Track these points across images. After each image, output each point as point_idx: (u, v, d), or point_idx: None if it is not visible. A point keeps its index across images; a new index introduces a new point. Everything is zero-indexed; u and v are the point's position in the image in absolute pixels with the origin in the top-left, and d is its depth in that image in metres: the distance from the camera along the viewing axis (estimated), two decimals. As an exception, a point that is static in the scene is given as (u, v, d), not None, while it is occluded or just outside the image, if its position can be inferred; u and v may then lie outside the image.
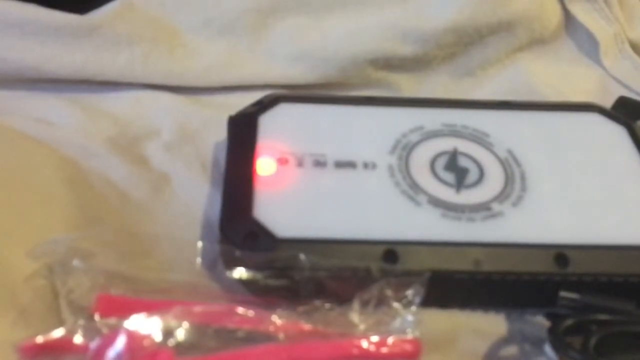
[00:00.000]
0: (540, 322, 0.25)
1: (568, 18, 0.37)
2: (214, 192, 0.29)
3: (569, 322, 0.23)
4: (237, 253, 0.23)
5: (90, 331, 0.22)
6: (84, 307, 0.23)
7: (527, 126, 0.30)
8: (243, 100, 0.31)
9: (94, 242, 0.24)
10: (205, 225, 0.28)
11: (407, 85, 0.35)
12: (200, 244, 0.24)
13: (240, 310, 0.22)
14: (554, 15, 0.37)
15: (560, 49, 0.37)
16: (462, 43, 0.35)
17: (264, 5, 0.34)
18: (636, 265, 0.25)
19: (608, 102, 0.33)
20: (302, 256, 0.23)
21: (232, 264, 0.24)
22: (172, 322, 0.21)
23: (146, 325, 0.21)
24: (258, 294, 0.24)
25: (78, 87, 0.33)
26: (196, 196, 0.29)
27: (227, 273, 0.24)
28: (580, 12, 0.37)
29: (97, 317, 0.22)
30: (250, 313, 0.22)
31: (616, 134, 0.30)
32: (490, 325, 0.25)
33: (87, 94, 0.33)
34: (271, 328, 0.22)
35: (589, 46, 0.37)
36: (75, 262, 0.23)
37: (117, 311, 0.23)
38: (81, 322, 0.22)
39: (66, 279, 0.22)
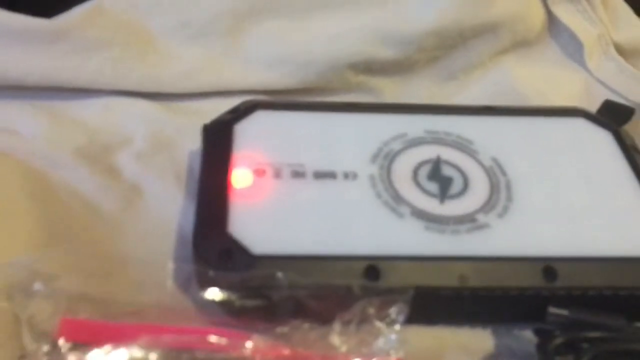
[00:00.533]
0: (528, 337, 0.25)
1: (552, 20, 0.37)
2: (188, 204, 0.28)
3: (559, 340, 0.22)
4: (211, 273, 0.22)
5: (54, 358, 0.20)
6: (47, 332, 0.21)
7: (512, 132, 0.29)
8: (220, 107, 0.30)
9: (57, 263, 0.22)
10: (180, 239, 0.27)
11: (389, 89, 0.34)
12: (170, 264, 0.23)
13: (213, 336, 0.21)
14: (538, 17, 0.36)
15: (545, 52, 0.36)
16: (445, 46, 0.34)
17: (240, 7, 0.33)
18: (626, 277, 0.24)
19: (593, 105, 0.32)
20: (279, 274, 0.22)
21: (205, 283, 0.23)
22: (140, 353, 0.20)
23: (112, 357, 0.20)
24: (234, 315, 0.23)
25: (45, 93, 0.31)
26: (170, 209, 0.28)
27: (201, 293, 0.23)
28: (564, 14, 0.36)
29: (61, 342, 0.21)
30: (223, 340, 0.21)
31: (602, 139, 0.29)
32: (477, 341, 0.24)
33: (54, 101, 0.31)
34: (247, 353, 0.21)
35: (574, 48, 0.36)
36: (37, 286, 0.21)
37: (82, 336, 0.21)
38: (45, 348, 0.21)
39: (27, 303, 0.21)
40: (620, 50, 0.36)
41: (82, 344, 0.21)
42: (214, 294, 0.23)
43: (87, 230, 0.27)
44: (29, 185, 0.27)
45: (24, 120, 0.30)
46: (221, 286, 0.23)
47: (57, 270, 0.22)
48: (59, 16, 0.32)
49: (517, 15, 0.34)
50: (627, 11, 0.37)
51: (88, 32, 0.31)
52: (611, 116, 0.31)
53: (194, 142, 0.29)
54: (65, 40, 0.31)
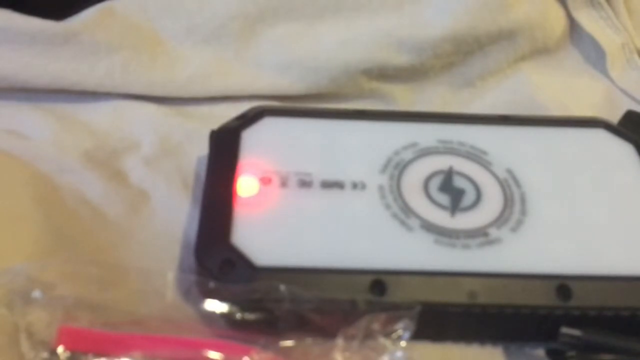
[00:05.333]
0: (541, 356, 0.24)
1: (573, 27, 0.35)
2: (195, 211, 0.27)
3: (571, 364, 0.21)
4: (211, 284, 0.22)
5: (53, 367, 0.20)
6: (45, 340, 0.21)
7: (528, 143, 0.28)
8: (229, 112, 0.29)
9: (57, 270, 0.22)
10: (185, 247, 0.26)
11: (403, 96, 0.33)
12: (170, 274, 0.22)
13: (213, 348, 0.20)
14: (558, 23, 0.35)
15: (565, 59, 0.35)
16: (461, 52, 0.33)
17: (251, 11, 0.33)
18: (644, 298, 0.23)
19: (615, 116, 0.31)
20: (282, 287, 0.22)
21: (207, 294, 0.22)
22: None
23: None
24: (236, 327, 0.22)
25: (54, 97, 0.31)
26: (176, 215, 0.27)
27: (202, 304, 0.22)
28: (586, 21, 0.35)
29: (60, 350, 0.21)
30: (223, 353, 0.20)
31: (623, 152, 0.28)
32: (486, 359, 0.24)
33: (63, 104, 0.31)
34: (245, 369, 0.20)
35: (596, 56, 0.35)
36: (35, 294, 0.21)
37: (81, 344, 0.21)
38: (43, 356, 0.21)
39: (25, 311, 0.21)
40: (645, 59, 0.35)
41: (81, 352, 0.21)
42: (214, 305, 0.22)
43: (92, 235, 0.26)
44: (35, 189, 0.27)
45: (31, 123, 0.30)
46: (222, 297, 0.22)
47: (57, 278, 0.22)
48: (68, 19, 0.32)
49: (535, 22, 0.33)
50: (652, 18, 0.36)
51: (97, 35, 0.31)
52: (633, 127, 0.30)
53: (202, 148, 0.29)
54: (74, 43, 0.31)
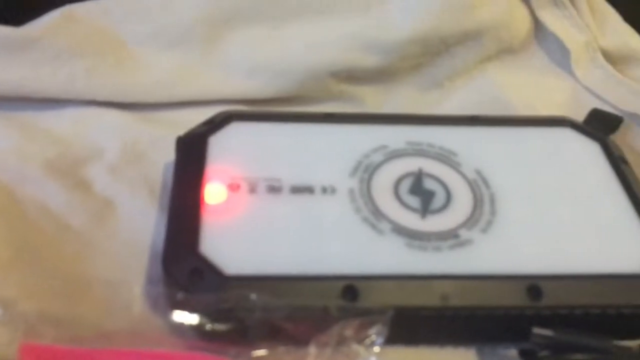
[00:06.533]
0: (514, 356, 0.24)
1: (538, 26, 0.36)
2: (162, 220, 0.27)
3: (543, 364, 0.21)
4: (180, 295, 0.21)
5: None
6: (7, 358, 0.20)
7: (496, 143, 0.28)
8: (196, 117, 0.29)
9: (18, 285, 0.21)
10: (153, 257, 0.25)
11: (372, 98, 0.33)
12: (137, 286, 0.22)
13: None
14: (523, 23, 0.35)
15: (531, 59, 0.35)
16: (428, 53, 0.33)
17: (217, 14, 0.32)
18: (613, 295, 0.23)
19: (581, 115, 0.31)
20: (253, 296, 0.21)
21: (175, 306, 0.21)
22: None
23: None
24: (206, 338, 0.22)
25: (14, 104, 0.30)
26: (143, 225, 0.27)
27: (171, 316, 0.21)
28: (550, 20, 0.35)
29: (23, 369, 0.20)
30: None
31: (590, 150, 0.28)
32: (460, 361, 0.24)
33: (24, 112, 0.30)
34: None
35: (561, 56, 0.35)
36: (-5, 311, 0.20)
37: (45, 362, 0.20)
38: (5, 376, 0.20)
39: (-15, 329, 0.20)
40: (608, 57, 0.35)
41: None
42: (184, 316, 0.22)
43: (55, 247, 0.25)
44: (-5, 200, 0.26)
45: (-9, 132, 0.29)
46: (192, 308, 0.22)
47: (18, 293, 0.21)
48: (28, 24, 0.31)
49: (500, 22, 0.34)
50: (615, 17, 0.36)
51: (59, 40, 0.30)
52: (599, 125, 0.30)
53: (169, 155, 0.28)
54: (34, 49, 0.30)
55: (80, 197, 0.27)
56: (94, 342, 0.21)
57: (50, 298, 0.22)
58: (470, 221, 0.25)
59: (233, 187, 0.25)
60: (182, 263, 0.23)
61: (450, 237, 0.24)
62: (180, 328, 0.22)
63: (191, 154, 0.26)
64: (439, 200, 0.26)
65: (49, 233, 0.26)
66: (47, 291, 0.22)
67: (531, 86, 0.34)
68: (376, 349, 0.21)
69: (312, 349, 0.21)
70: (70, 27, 0.31)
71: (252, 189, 0.25)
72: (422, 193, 0.26)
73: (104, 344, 0.21)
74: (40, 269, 0.24)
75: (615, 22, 0.36)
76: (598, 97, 0.34)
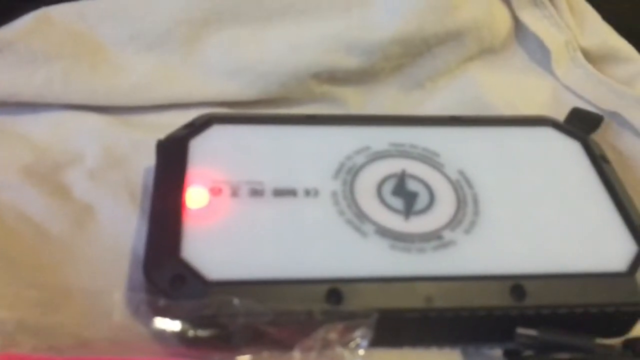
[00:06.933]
0: (498, 356, 0.24)
1: (518, 26, 0.36)
2: (143, 225, 0.26)
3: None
4: (162, 301, 0.21)
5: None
6: (-15, 371, 0.20)
7: (479, 144, 0.28)
8: (177, 120, 0.28)
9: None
10: (134, 263, 0.25)
11: (354, 99, 0.33)
12: (117, 294, 0.21)
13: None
14: (504, 23, 0.35)
15: (512, 59, 0.35)
16: (410, 54, 0.33)
17: (196, 16, 0.32)
18: (597, 294, 0.23)
19: (562, 113, 0.32)
20: (236, 301, 0.21)
21: (157, 312, 0.21)
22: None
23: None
24: (189, 344, 0.21)
25: (-11, 109, 0.30)
26: (124, 230, 0.26)
27: (153, 323, 0.21)
28: (531, 20, 0.35)
29: (1, 380, 0.20)
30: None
31: (571, 149, 0.29)
32: (445, 362, 0.24)
33: (-1, 116, 0.30)
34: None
35: (541, 55, 0.35)
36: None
37: (24, 373, 0.20)
38: (-17, 388, 0.20)
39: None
40: (588, 56, 0.35)
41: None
42: (166, 323, 0.21)
43: (34, 255, 0.25)
44: (-29, 208, 0.25)
45: (-35, 138, 0.29)
46: (174, 315, 0.21)
47: (-7, 304, 0.21)
48: (2, 28, 0.30)
49: (482, 22, 0.34)
50: (594, 16, 0.37)
51: (34, 43, 0.30)
52: (579, 124, 0.30)
53: (149, 159, 0.28)
54: (9, 53, 0.29)
55: (60, 203, 0.27)
56: (74, 351, 0.21)
57: (28, 306, 0.21)
58: (454, 222, 0.25)
59: (215, 191, 0.25)
60: (163, 269, 0.22)
61: (434, 239, 0.24)
62: (162, 335, 0.21)
63: (172, 158, 0.26)
64: (422, 201, 0.26)
65: (27, 240, 0.25)
66: (25, 299, 0.21)
67: (512, 86, 0.34)
68: (361, 352, 0.21)
69: (296, 354, 0.21)
70: (46, 30, 0.30)
71: (234, 193, 0.25)
72: (405, 194, 0.26)
73: (85, 352, 0.21)
74: (18, 276, 0.24)
75: (594, 21, 0.36)
76: (578, 96, 0.34)
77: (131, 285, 0.24)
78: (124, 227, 0.26)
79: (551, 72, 0.35)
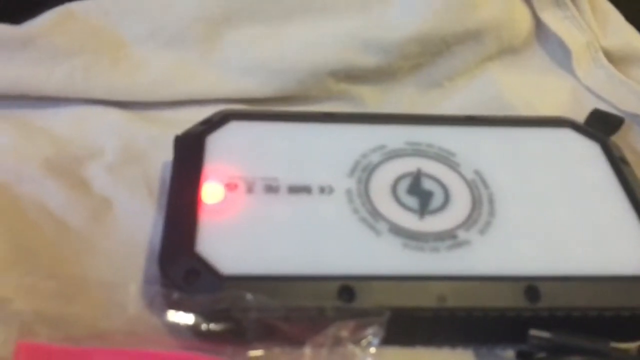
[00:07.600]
0: (511, 357, 0.24)
1: (539, 26, 0.36)
2: (160, 219, 0.26)
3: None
4: (176, 295, 0.21)
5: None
6: (3, 357, 0.20)
7: (496, 144, 0.28)
8: (194, 116, 0.29)
9: (14, 284, 0.21)
10: (151, 256, 0.25)
11: (371, 97, 0.33)
12: (132, 286, 0.22)
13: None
14: (524, 23, 0.35)
15: (532, 59, 0.35)
16: (428, 53, 0.33)
17: (215, 13, 0.32)
18: (612, 298, 0.23)
19: (582, 115, 0.31)
20: (249, 296, 0.21)
21: (171, 305, 0.21)
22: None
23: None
24: (203, 338, 0.22)
25: (12, 103, 0.30)
26: (141, 224, 0.27)
27: (166, 316, 0.21)
28: (552, 20, 0.35)
29: (18, 368, 0.20)
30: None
31: (590, 151, 0.28)
32: (457, 362, 0.23)
33: (22, 110, 0.30)
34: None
35: (562, 55, 0.35)
36: (-11, 310, 0.20)
37: (41, 361, 0.20)
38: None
39: (-20, 328, 0.20)
40: (610, 57, 0.35)
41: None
42: (180, 316, 0.21)
43: (53, 247, 0.25)
44: (-7, 199, 0.26)
45: (-11, 131, 0.29)
46: (188, 308, 0.21)
47: (13, 292, 0.21)
48: (26, 23, 0.31)
49: (501, 22, 0.33)
50: (617, 17, 0.36)
51: (57, 39, 0.30)
52: (599, 126, 0.30)
53: (167, 154, 0.28)
54: (32, 48, 0.30)
55: (79, 197, 0.27)
56: (89, 341, 0.21)
57: (46, 297, 0.22)
58: (469, 222, 0.25)
59: (230, 187, 0.25)
60: (178, 263, 0.22)
61: (448, 238, 0.24)
62: (176, 328, 0.22)
63: (189, 153, 0.26)
64: (437, 200, 0.26)
65: (47, 233, 0.26)
66: (43, 290, 0.22)
67: (532, 86, 0.34)
68: (372, 350, 0.21)
69: (307, 350, 0.21)
70: (68, 26, 0.31)
71: (250, 189, 0.25)
72: (420, 193, 0.26)
73: (100, 343, 0.21)
74: (37, 268, 0.24)
75: (617, 22, 0.36)
76: (599, 97, 0.34)
77: (147, 278, 0.25)
78: (141, 221, 0.27)
79: (572, 73, 0.35)
